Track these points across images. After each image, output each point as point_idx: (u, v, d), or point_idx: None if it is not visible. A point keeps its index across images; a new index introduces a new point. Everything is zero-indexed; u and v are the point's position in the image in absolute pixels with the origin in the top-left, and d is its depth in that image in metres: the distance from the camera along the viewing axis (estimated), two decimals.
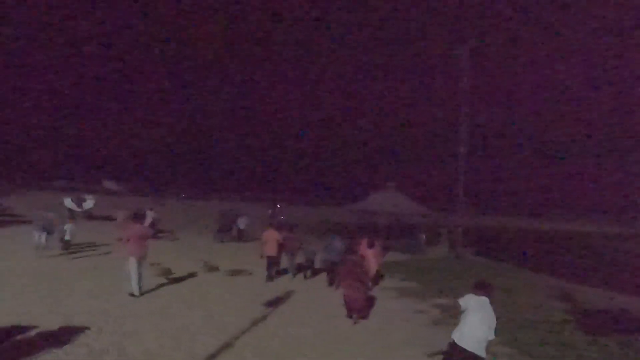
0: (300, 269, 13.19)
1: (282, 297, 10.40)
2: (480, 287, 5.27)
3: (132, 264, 8.88)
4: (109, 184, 50.55)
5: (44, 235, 12.81)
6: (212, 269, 12.89)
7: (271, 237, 11.76)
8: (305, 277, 12.69)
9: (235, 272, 12.66)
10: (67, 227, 13.51)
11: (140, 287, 9.11)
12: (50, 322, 7.14)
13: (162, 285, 10.55)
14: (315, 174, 53.18)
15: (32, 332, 6.62)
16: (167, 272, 11.78)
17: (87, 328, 7.01)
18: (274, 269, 11.88)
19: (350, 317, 8.76)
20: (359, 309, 8.74)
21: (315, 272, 13.27)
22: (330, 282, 11.62)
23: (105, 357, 6.02)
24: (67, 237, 13.44)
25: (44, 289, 9.27)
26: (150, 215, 21.67)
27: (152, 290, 9.97)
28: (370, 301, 9.67)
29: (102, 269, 11.74)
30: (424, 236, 22.38)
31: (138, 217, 10.33)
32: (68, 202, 26.10)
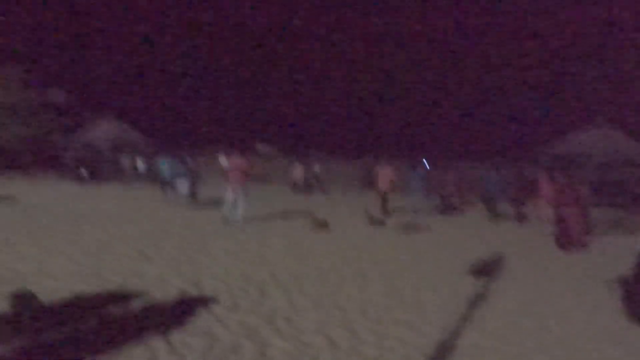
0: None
1: (477, 254, 6.87)
2: None
3: (228, 192, 9.14)
4: (261, 147, 51.94)
5: (186, 185, 11.34)
6: (377, 222, 9.93)
7: (385, 174, 11.68)
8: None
9: (406, 227, 9.47)
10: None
11: (234, 215, 9.14)
12: (168, 289, 4.84)
13: (320, 242, 7.90)
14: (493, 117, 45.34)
15: (139, 303, 4.32)
16: (323, 224, 9.15)
17: (215, 301, 4.51)
18: (385, 203, 11.68)
19: (565, 248, 7.74)
20: (579, 236, 7.77)
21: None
22: (492, 218, 11.23)
23: (231, 358, 3.35)
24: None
25: (175, 245, 7.31)
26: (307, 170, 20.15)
27: (309, 248, 7.36)
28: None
29: (251, 225, 9.68)
30: None
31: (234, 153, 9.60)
32: (223, 159, 26.18)
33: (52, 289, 4.60)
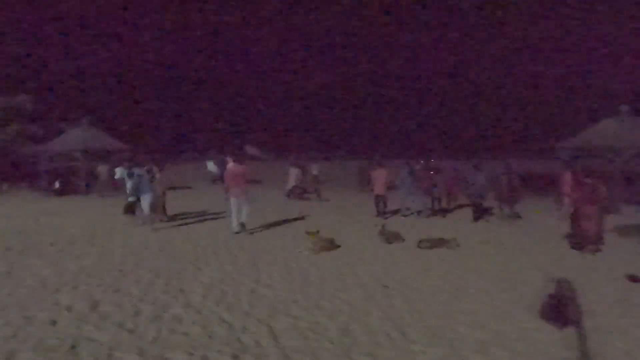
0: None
1: (522, 277, 5.23)
2: None
3: (232, 202, 8.87)
4: (251, 150, 50.25)
5: (148, 201, 9.48)
6: (393, 237, 8.26)
7: (380, 177, 11.21)
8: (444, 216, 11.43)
9: (433, 244, 7.80)
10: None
11: (240, 224, 8.85)
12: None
13: (330, 269, 6.23)
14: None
15: None
16: (330, 245, 7.48)
17: None
18: (381, 206, 11.25)
19: (579, 249, 7.37)
20: (596, 239, 7.36)
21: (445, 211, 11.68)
22: (476, 219, 10.70)
23: None
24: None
25: (144, 282, 5.60)
26: (315, 169, 18.38)
27: (318, 280, 5.68)
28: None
29: (244, 243, 8.03)
30: None
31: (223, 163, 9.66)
32: (210, 165, 24.53)
33: None
